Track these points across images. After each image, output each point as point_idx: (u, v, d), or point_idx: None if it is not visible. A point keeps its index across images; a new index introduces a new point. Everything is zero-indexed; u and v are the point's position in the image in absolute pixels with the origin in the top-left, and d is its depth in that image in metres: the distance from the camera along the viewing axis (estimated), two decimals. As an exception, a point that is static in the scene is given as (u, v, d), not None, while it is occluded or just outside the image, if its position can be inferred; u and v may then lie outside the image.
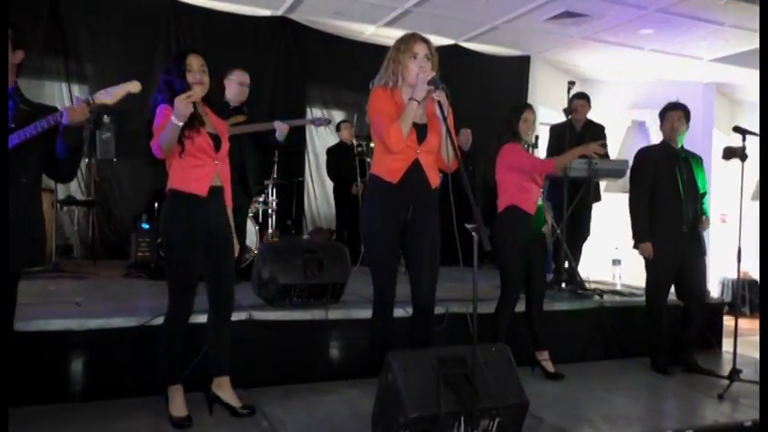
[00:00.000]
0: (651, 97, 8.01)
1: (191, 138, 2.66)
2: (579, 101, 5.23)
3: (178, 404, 2.80)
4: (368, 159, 5.99)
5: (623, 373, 4.07)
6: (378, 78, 2.84)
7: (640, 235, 4.00)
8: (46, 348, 3.05)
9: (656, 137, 7.93)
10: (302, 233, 7.16)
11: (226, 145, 2.81)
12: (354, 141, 6.33)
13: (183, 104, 2.52)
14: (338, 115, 7.81)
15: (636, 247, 4.04)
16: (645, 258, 4.01)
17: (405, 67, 2.75)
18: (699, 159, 4.10)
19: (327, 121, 5.52)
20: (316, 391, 3.39)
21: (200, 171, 2.73)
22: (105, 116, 6.20)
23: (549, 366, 3.79)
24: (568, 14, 6.48)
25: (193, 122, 2.66)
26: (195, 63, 2.69)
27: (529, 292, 3.77)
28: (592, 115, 5.43)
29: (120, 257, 5.89)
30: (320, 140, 7.57)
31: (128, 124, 6.37)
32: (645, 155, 4.13)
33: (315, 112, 7.53)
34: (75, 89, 6.33)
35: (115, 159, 6.34)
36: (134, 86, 2.47)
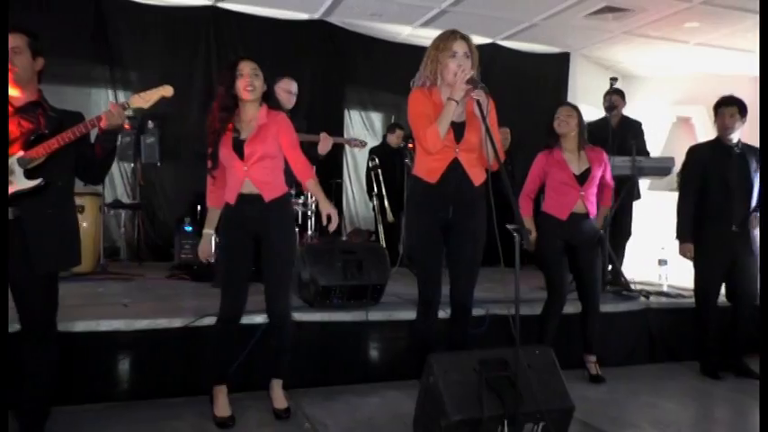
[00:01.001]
0: (697, 92, 7.76)
1: (219, 153, 2.79)
2: (614, 97, 5.12)
3: (221, 404, 2.84)
4: (407, 161, 5.97)
5: (671, 377, 3.96)
6: (417, 78, 2.83)
7: (682, 235, 3.90)
8: (95, 348, 3.14)
9: (702, 133, 7.71)
10: (341, 234, 7.19)
11: (254, 147, 2.75)
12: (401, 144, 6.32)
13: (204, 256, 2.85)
14: (376, 117, 7.82)
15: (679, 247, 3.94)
16: (692, 259, 3.90)
17: (443, 66, 2.72)
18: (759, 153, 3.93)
19: (363, 144, 5.58)
20: (356, 392, 3.40)
21: (231, 180, 2.80)
22: (149, 121, 6.36)
23: (594, 369, 3.71)
24: (609, 9, 6.33)
25: (219, 136, 2.77)
26: (246, 68, 2.74)
27: (581, 296, 3.71)
28: (635, 112, 5.30)
29: (164, 259, 6.01)
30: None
31: (171, 129, 6.53)
32: (694, 153, 4.02)
33: (353, 116, 7.55)
34: (120, 95, 6.49)
35: (159, 163, 6.48)
36: (167, 91, 2.55)
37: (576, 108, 3.72)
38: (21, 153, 2.35)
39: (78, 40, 6.21)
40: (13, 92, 2.41)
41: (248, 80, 2.72)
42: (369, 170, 6.46)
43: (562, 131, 3.63)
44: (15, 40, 2.40)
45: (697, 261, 3.88)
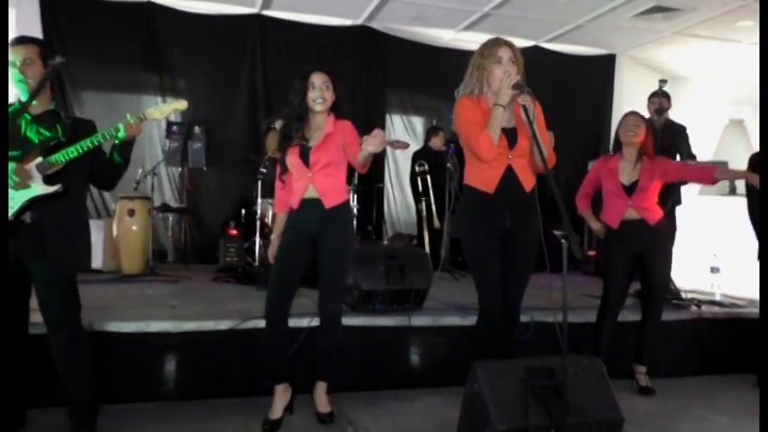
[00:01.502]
0: (750, 93, 7.47)
1: (286, 161, 2.85)
2: (662, 99, 4.97)
3: (275, 406, 2.88)
4: (449, 165, 5.94)
5: (724, 390, 3.82)
6: (462, 87, 2.82)
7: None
8: (145, 349, 3.22)
9: (756, 135, 7.44)
10: (382, 239, 7.20)
11: (319, 155, 2.81)
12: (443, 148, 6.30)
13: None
14: (417, 121, 7.82)
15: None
16: None
17: (489, 73, 2.71)
18: None
19: (406, 145, 5.53)
20: (399, 398, 3.39)
21: (295, 186, 2.87)
22: (196, 127, 6.53)
23: (643, 380, 3.62)
24: (659, 9, 6.17)
25: (287, 144, 2.83)
26: (318, 81, 2.79)
27: (645, 303, 3.65)
28: (684, 114, 5.15)
29: (209, 262, 6.12)
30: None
31: (217, 134, 6.67)
32: (757, 161, 3.87)
33: (395, 120, 7.57)
34: (170, 101, 6.66)
35: (205, 168, 6.64)
36: (181, 105, 2.67)
37: (643, 118, 3.65)
38: (39, 159, 2.45)
39: (130, 50, 6.45)
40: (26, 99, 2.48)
41: (319, 93, 2.78)
42: (416, 175, 6.40)
43: (629, 141, 3.55)
44: (28, 52, 2.48)
45: None
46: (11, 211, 2.41)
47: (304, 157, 2.82)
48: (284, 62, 6.84)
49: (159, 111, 2.60)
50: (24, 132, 2.49)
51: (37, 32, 5.84)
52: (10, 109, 2.49)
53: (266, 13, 6.79)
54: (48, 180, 2.46)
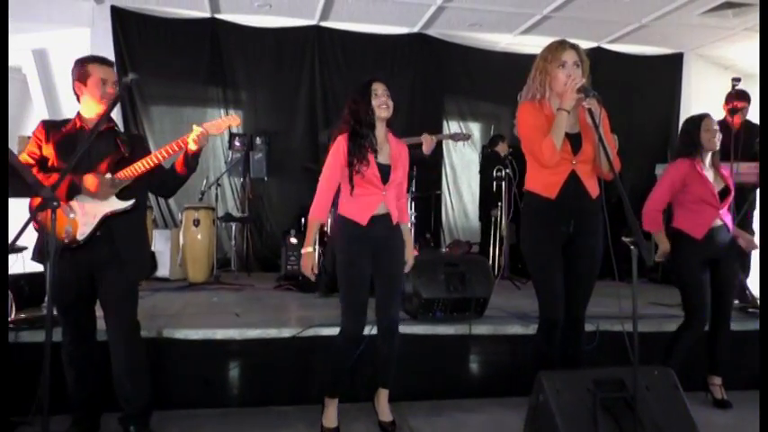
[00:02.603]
0: (831, 90, 7.05)
1: (360, 173, 2.78)
2: (740, 102, 4.73)
3: (330, 416, 2.91)
4: (508, 170, 5.86)
5: (809, 404, 3.58)
6: (525, 91, 2.78)
7: None
8: (211, 355, 3.31)
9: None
10: (440, 246, 7.16)
11: (396, 173, 2.84)
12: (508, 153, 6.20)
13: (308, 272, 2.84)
14: (475, 127, 7.75)
15: None
16: None
17: (553, 78, 2.66)
18: None
19: (467, 137, 5.44)
20: (461, 407, 3.35)
21: (365, 201, 2.82)
22: (257, 138, 6.69)
23: (719, 393, 3.44)
24: (729, 5, 5.90)
25: (364, 156, 2.78)
26: (380, 89, 2.82)
27: (715, 312, 3.43)
28: (757, 114, 4.88)
29: (271, 270, 6.26)
30: (457, 153, 7.57)
31: (277, 145, 6.82)
32: None
33: (452, 126, 7.52)
34: (231, 114, 6.87)
35: (266, 178, 6.79)
36: (234, 121, 2.78)
37: (720, 123, 3.49)
38: (109, 176, 2.58)
39: (195, 64, 6.69)
40: (92, 116, 2.62)
41: (384, 99, 2.80)
42: (492, 179, 6.21)
43: (711, 147, 3.35)
44: (110, 73, 2.63)
45: None
46: (91, 227, 2.56)
47: (383, 173, 2.81)
48: (342, 72, 6.94)
49: (215, 126, 2.69)
50: (89, 150, 2.58)
51: (109, 49, 6.16)
52: (70, 126, 2.64)
53: (324, 24, 6.91)
54: (120, 195, 2.60)
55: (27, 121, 6.93)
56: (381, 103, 2.79)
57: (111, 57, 6.07)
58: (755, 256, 4.75)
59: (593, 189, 2.70)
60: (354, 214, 2.81)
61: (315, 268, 2.87)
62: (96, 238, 2.57)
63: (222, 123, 2.72)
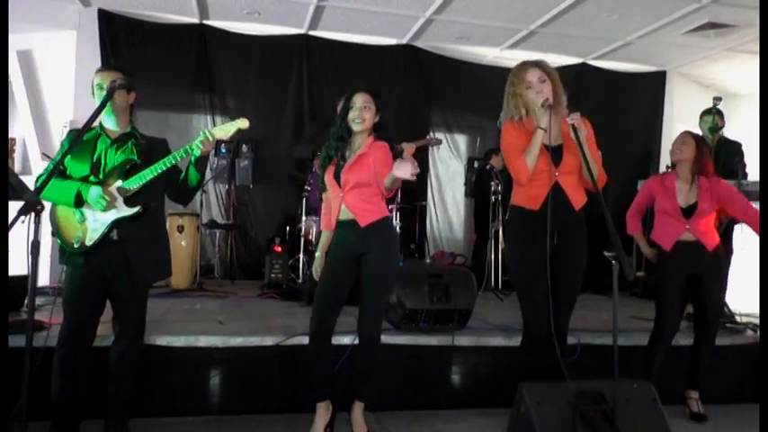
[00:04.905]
0: (809, 111, 7.22)
1: (324, 179, 2.89)
2: (716, 117, 4.83)
3: (316, 424, 2.88)
4: (493, 182, 5.91)
5: (784, 418, 3.64)
6: (503, 115, 2.87)
7: None
8: (193, 363, 3.28)
9: (816, 154, 7.14)
10: (425, 257, 7.18)
11: (348, 174, 2.82)
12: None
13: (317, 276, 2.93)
14: (461, 139, 7.81)
15: None
16: None
17: (524, 99, 2.76)
18: None
19: (439, 141, 5.45)
20: (443, 418, 3.36)
21: (333, 206, 2.89)
22: (244, 145, 6.69)
23: (695, 406, 3.49)
24: (712, 26, 6.03)
25: (327, 164, 2.87)
26: (359, 101, 2.82)
27: (698, 327, 3.53)
28: (738, 132, 4.99)
29: (255, 278, 6.24)
30: (443, 165, 7.61)
31: (264, 152, 6.82)
32: None
33: (438, 137, 7.58)
34: (218, 121, 6.86)
35: (252, 185, 6.78)
36: (243, 123, 2.73)
37: (693, 135, 3.53)
38: (119, 183, 2.62)
39: (182, 70, 6.68)
40: (110, 124, 2.69)
41: (358, 113, 2.81)
42: (491, 193, 6.16)
43: (674, 159, 3.49)
44: (114, 75, 2.65)
45: None
46: (98, 233, 2.60)
47: (337, 176, 2.85)
48: (330, 82, 6.96)
49: (223, 130, 2.69)
50: (103, 155, 2.66)
51: (96, 52, 6.13)
52: (91, 133, 2.68)
53: (313, 33, 6.94)
54: (128, 201, 2.62)
55: (10, 123, 6.85)
56: (355, 117, 2.80)
57: (98, 61, 6.06)
58: (740, 270, 4.83)
59: (577, 200, 2.75)
60: (329, 221, 2.93)
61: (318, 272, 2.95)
62: (109, 242, 2.61)
63: (231, 127, 2.70)
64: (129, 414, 2.79)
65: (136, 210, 2.62)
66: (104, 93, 2.59)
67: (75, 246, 2.60)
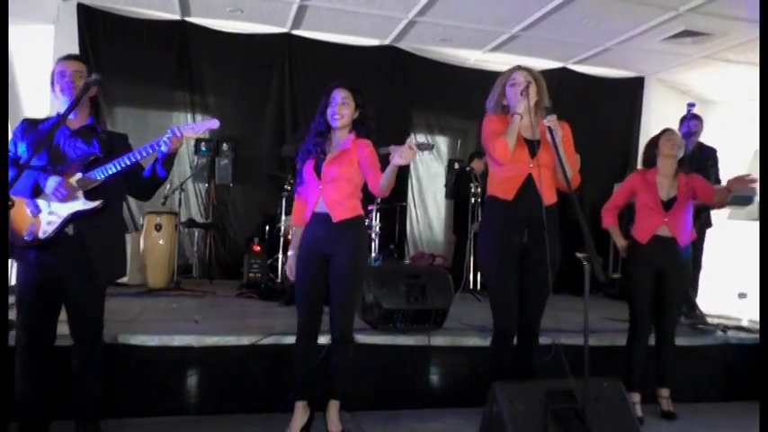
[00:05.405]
0: (782, 118, 7.37)
1: (301, 173, 2.90)
2: (692, 122, 4.93)
3: (295, 422, 2.88)
4: (472, 183, 5.95)
5: (750, 416, 3.69)
6: (487, 107, 2.97)
7: None
8: (168, 362, 3.26)
9: (788, 161, 7.29)
10: (404, 258, 7.21)
11: (330, 167, 2.82)
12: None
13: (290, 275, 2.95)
14: (442, 141, 7.85)
15: None
16: None
17: (507, 95, 2.87)
18: None
19: (431, 146, 5.48)
20: (419, 417, 3.37)
21: (308, 198, 2.90)
22: (224, 144, 6.65)
23: (666, 404, 3.56)
24: (688, 33, 6.13)
25: (305, 158, 2.88)
26: (338, 96, 2.84)
27: (659, 325, 3.58)
28: (714, 138, 5.09)
29: (233, 277, 6.20)
30: (424, 166, 7.64)
31: (244, 151, 6.78)
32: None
33: (419, 139, 7.60)
34: (198, 118, 6.80)
35: (232, 184, 6.74)
36: (213, 124, 2.75)
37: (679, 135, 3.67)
38: (79, 175, 2.54)
39: (163, 67, 6.63)
40: (70, 115, 2.57)
41: (336, 108, 2.82)
42: (471, 195, 6.19)
43: (672, 153, 3.52)
44: (78, 66, 2.62)
45: None
46: (54, 226, 2.50)
47: (317, 168, 2.85)
48: (312, 81, 6.95)
49: (193, 130, 2.67)
50: (62, 147, 2.58)
51: (74, 47, 6.05)
52: (48, 123, 2.60)
53: (296, 32, 6.93)
54: (88, 195, 2.55)
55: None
56: (333, 113, 2.82)
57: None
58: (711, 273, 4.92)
59: (549, 196, 2.80)
60: (301, 216, 2.93)
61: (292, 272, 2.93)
62: (63, 237, 2.52)
63: (201, 128, 2.70)
64: (100, 414, 2.73)
65: (96, 204, 2.55)
66: (67, 81, 2.54)
67: (27, 238, 2.48)
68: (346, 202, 2.83)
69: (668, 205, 3.49)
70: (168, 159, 2.66)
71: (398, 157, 2.49)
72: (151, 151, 2.60)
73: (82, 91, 2.49)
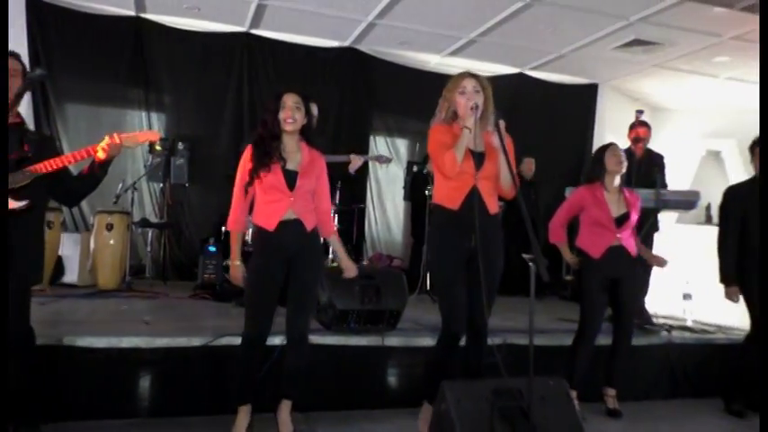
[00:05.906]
0: (727, 126, 7.66)
1: (260, 178, 2.80)
2: (640, 129, 5.10)
3: (238, 425, 2.86)
4: (430, 187, 5.99)
5: (692, 414, 3.87)
6: (435, 118, 2.99)
7: (726, 279, 3.82)
8: (116, 364, 3.18)
9: (732, 167, 7.59)
10: (362, 259, 7.22)
11: (304, 180, 2.84)
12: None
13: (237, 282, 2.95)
14: (401, 144, 7.89)
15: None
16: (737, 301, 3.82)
17: (456, 103, 2.88)
18: None
19: (389, 160, 5.55)
20: (372, 418, 3.39)
21: (272, 207, 2.83)
22: (180, 143, 6.54)
23: (612, 403, 3.66)
24: (639, 43, 6.33)
25: (266, 164, 2.80)
26: (289, 101, 2.82)
27: (617, 328, 3.69)
28: (665, 144, 5.27)
29: (188, 278, 6.11)
30: (382, 169, 7.65)
31: (201, 151, 6.69)
32: (732, 194, 3.96)
33: (378, 141, 7.64)
34: (154, 117, 6.71)
35: (187, 184, 6.63)
36: (153, 135, 2.79)
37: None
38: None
39: (116, 64, 6.48)
40: None
41: (289, 113, 2.81)
42: (425, 198, 6.11)
43: (617, 169, 3.59)
44: (13, 64, 2.53)
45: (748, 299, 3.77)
46: None
47: (289, 179, 2.82)
48: (270, 81, 6.91)
49: (134, 139, 2.63)
50: None
51: (23, 43, 5.86)
52: None
53: (255, 32, 6.88)
54: (14, 194, 2.45)
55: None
56: (287, 117, 2.81)
57: (25, 51, 5.80)
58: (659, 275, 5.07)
59: (492, 206, 2.88)
60: (263, 220, 2.84)
61: (242, 281, 2.91)
62: (7, 222, 2.41)
63: (140, 136, 2.65)
64: (40, 417, 2.65)
65: (23, 204, 2.45)
66: None
67: None
68: (313, 213, 2.92)
69: (620, 222, 3.56)
70: (103, 166, 2.60)
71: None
72: (86, 156, 2.54)
73: (22, 90, 2.43)
